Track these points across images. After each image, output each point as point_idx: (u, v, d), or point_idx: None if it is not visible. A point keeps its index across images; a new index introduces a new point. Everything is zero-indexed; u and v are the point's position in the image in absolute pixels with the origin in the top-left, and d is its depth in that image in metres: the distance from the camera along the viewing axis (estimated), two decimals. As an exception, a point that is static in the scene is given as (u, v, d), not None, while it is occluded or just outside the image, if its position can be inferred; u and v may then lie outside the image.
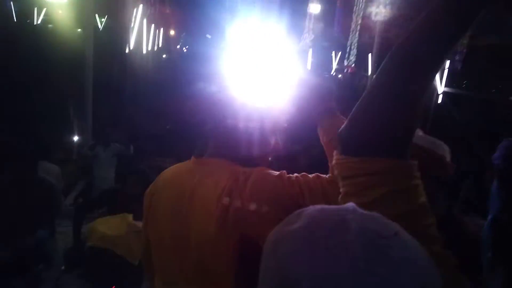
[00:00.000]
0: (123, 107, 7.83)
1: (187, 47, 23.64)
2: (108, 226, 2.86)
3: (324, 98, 1.05)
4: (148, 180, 3.15)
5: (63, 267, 3.02)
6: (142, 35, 7.45)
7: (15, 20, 14.93)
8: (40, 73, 9.57)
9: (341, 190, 0.65)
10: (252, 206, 0.88)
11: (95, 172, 4.61)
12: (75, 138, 5.01)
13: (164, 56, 15.92)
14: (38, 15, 11.70)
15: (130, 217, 2.97)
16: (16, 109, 6.83)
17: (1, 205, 3.26)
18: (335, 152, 0.66)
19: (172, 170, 1.16)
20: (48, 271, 2.94)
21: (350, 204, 0.51)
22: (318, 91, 1.05)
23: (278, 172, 0.98)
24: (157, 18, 9.54)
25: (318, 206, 0.53)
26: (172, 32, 15.34)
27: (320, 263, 0.44)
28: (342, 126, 0.64)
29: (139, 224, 2.94)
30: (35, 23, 12.04)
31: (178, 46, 22.64)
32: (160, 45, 12.33)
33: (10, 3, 15.05)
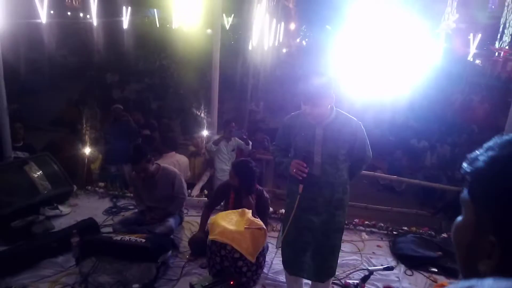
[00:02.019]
0: (245, 103, 8.14)
1: (306, 40, 23.54)
2: (229, 221, 2.94)
3: None
4: (247, 175, 3.16)
5: (188, 256, 3.23)
6: (264, 31, 7.59)
7: (158, 26, 16.97)
8: (176, 73, 10.62)
9: None
10: None
11: (216, 165, 4.89)
12: (204, 132, 5.36)
13: (284, 50, 16.12)
14: (176, 20, 13.09)
15: (249, 213, 3.01)
16: (152, 106, 7.72)
17: (137, 195, 3.66)
18: None
19: None
20: (175, 258, 3.19)
21: None
22: None
23: None
24: (278, 12, 9.65)
25: None
26: (292, 26, 15.41)
27: None
28: None
29: (257, 220, 2.96)
30: (173, 27, 13.49)
31: (298, 40, 22.66)
32: (280, 40, 12.51)
33: (154, 11, 17.16)
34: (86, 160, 5.00)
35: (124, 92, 8.70)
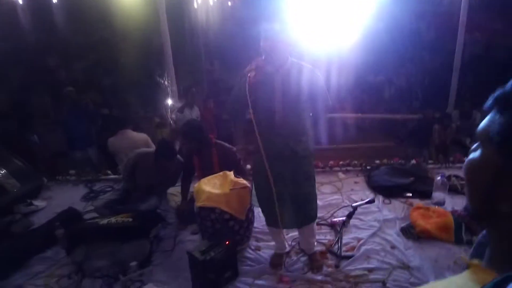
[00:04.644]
0: (200, 64, 7.92)
1: (250, -10, 22.89)
2: (213, 185, 2.97)
3: None
4: (193, 132, 3.20)
5: (178, 225, 3.26)
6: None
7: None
8: (121, 43, 10.03)
9: None
10: None
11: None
12: (168, 101, 5.20)
13: (229, 4, 15.57)
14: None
15: (231, 174, 3.04)
16: (104, 83, 7.33)
17: (131, 174, 3.57)
18: None
19: None
20: (166, 229, 3.21)
21: None
22: None
23: None
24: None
25: None
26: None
27: None
28: None
29: (241, 180, 3.00)
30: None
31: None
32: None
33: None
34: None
35: (70, 72, 8.17)
